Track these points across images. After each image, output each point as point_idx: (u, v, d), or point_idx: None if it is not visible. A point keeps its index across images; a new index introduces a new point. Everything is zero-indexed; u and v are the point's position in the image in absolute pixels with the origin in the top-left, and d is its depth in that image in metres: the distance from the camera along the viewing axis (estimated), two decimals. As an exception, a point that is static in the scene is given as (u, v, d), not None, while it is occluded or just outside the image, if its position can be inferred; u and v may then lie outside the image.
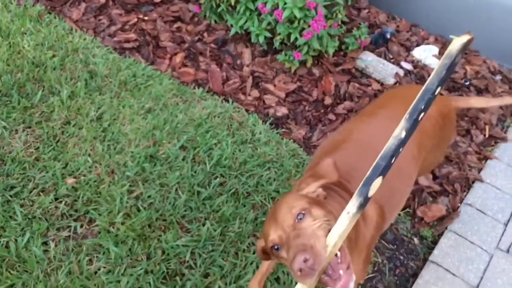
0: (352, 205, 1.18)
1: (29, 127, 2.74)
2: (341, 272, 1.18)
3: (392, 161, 1.19)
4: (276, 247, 1.27)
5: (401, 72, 3.48)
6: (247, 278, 2.20)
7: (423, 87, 1.22)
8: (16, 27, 3.36)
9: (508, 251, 2.53)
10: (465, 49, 1.23)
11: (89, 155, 2.64)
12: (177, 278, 2.18)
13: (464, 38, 1.20)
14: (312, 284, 1.17)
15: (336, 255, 1.21)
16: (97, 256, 2.22)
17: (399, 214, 2.65)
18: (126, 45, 3.46)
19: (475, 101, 2.44)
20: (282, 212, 1.27)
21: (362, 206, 1.17)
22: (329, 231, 1.21)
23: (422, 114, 1.21)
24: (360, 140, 1.74)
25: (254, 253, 2.30)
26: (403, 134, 1.18)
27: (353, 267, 1.54)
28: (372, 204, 1.60)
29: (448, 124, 1.98)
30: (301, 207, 1.26)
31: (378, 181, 1.18)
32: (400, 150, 1.21)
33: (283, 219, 1.26)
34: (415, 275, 2.39)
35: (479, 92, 3.46)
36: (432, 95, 1.21)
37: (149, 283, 2.14)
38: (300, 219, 1.25)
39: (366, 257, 1.62)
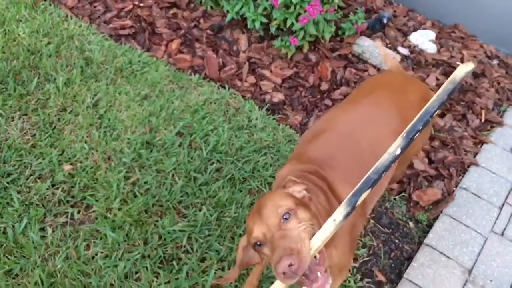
0: (340, 213, 1.20)
1: (25, 114, 2.74)
2: (319, 274, 1.22)
3: (383, 175, 1.21)
4: (259, 243, 1.28)
5: (398, 57, 3.47)
6: (243, 262, 2.22)
7: (424, 109, 1.23)
8: (11, 15, 3.35)
9: (502, 234, 2.55)
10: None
11: (86, 141, 2.64)
12: (174, 262, 2.20)
13: (469, 66, 1.22)
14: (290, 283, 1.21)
15: (315, 257, 1.24)
16: (94, 242, 2.24)
17: (395, 199, 2.67)
18: (122, 31, 3.45)
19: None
20: (267, 210, 1.27)
21: (348, 215, 1.20)
22: (313, 235, 1.24)
23: (417, 134, 1.23)
24: (341, 130, 1.74)
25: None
26: (398, 151, 1.21)
27: (336, 251, 1.57)
28: (347, 190, 1.60)
29: None
30: (287, 207, 1.27)
31: (366, 192, 1.21)
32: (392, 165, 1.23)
33: (268, 216, 1.26)
34: (410, 258, 2.41)
35: (476, 77, 3.45)
36: (430, 117, 1.24)
37: (146, 267, 2.16)
38: (286, 219, 1.25)
39: (350, 242, 1.63)
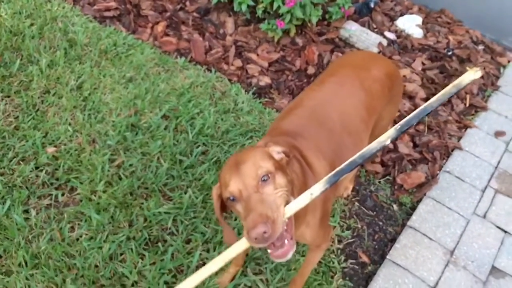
0: (318, 189, 1.21)
1: (8, 96, 2.70)
2: (286, 241, 1.23)
3: (361, 162, 1.23)
4: (232, 198, 1.27)
5: (385, 42, 3.48)
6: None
7: (422, 106, 1.24)
8: (-8, -5, 3.27)
9: (484, 216, 2.59)
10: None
11: (70, 124, 2.62)
12: (159, 244, 2.20)
13: (477, 74, 1.24)
14: None
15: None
16: (78, 224, 2.23)
17: (379, 182, 2.69)
18: (107, 13, 3.40)
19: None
20: (247, 167, 1.27)
21: (325, 191, 1.22)
22: (287, 202, 1.25)
23: (409, 128, 1.24)
24: (311, 105, 1.79)
25: (236, 219, 2.33)
26: (388, 142, 1.23)
27: (310, 228, 1.60)
28: (323, 163, 1.64)
29: (396, 82, 2.02)
30: (267, 169, 1.27)
31: (347, 175, 1.24)
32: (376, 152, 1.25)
33: (247, 174, 1.26)
34: (394, 240, 2.44)
35: (461, 61, 3.48)
36: (427, 115, 1.25)
37: (131, 249, 2.16)
38: (264, 181, 1.25)
39: (323, 218, 1.65)
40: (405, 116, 1.37)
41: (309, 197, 1.22)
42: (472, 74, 1.23)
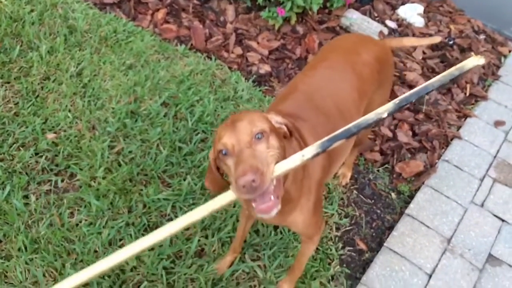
0: (310, 151, 1.21)
1: (8, 82, 2.70)
2: (271, 197, 1.23)
3: (356, 132, 1.23)
4: (224, 152, 1.28)
5: (386, 31, 3.46)
6: (226, 230, 2.24)
7: (423, 85, 1.23)
8: (-8, -19, 3.26)
9: (482, 205, 2.60)
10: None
11: (69, 110, 2.62)
12: (158, 230, 2.22)
13: (480, 60, 1.23)
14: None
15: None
16: (78, 209, 2.25)
17: (378, 170, 2.70)
18: (107, 0, 3.38)
19: (407, 41, 2.54)
20: (242, 124, 1.28)
21: (317, 155, 1.22)
22: (277, 163, 1.25)
23: (407, 104, 1.25)
24: (306, 90, 1.81)
25: (234, 206, 2.34)
26: (385, 115, 1.22)
27: (303, 213, 1.61)
28: None
29: (386, 66, 2.03)
30: (262, 128, 1.28)
31: (340, 142, 1.24)
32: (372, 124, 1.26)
33: (242, 131, 1.26)
34: (391, 228, 2.45)
35: (462, 51, 3.46)
36: (427, 93, 1.26)
37: (130, 234, 2.17)
38: (258, 138, 1.26)
39: (317, 203, 1.66)
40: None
41: (301, 159, 1.22)
42: (476, 60, 1.23)
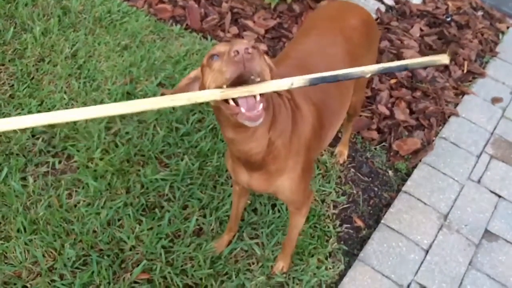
0: (299, 81, 1.22)
1: (2, 65, 2.69)
2: (260, 106, 1.20)
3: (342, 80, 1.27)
4: (215, 57, 1.24)
5: (383, 8, 3.43)
6: (224, 209, 2.26)
7: (404, 62, 1.27)
8: (-17, -39, 3.21)
9: (479, 181, 2.61)
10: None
11: (65, 92, 2.61)
12: (156, 210, 2.23)
13: (445, 59, 1.25)
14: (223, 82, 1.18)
15: (255, 97, 1.21)
16: (76, 190, 2.25)
17: (375, 148, 2.70)
18: (100, -20, 3.34)
19: None
20: (238, 40, 1.28)
21: (303, 86, 1.24)
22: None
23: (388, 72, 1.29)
24: (299, 56, 1.82)
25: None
26: (368, 75, 1.27)
27: (290, 178, 1.60)
28: (311, 108, 1.66)
29: (372, 29, 2.07)
30: (257, 46, 1.23)
31: (327, 83, 1.28)
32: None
33: (238, 42, 1.19)
34: (388, 205, 2.47)
35: (460, 28, 3.44)
36: (405, 69, 1.28)
37: (129, 215, 2.18)
38: (253, 49, 1.20)
39: (305, 169, 1.64)
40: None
41: (289, 84, 1.23)
42: (446, 59, 1.27)
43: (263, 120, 1.22)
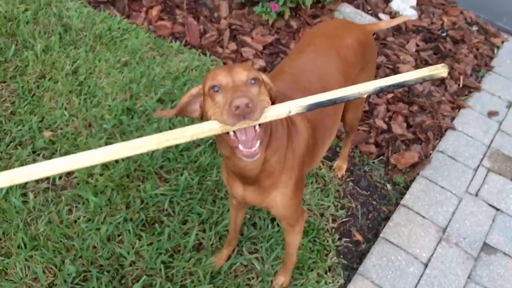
0: (296, 108, 1.26)
1: (4, 82, 2.72)
2: (257, 143, 1.26)
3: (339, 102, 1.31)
4: (217, 88, 1.28)
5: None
6: (224, 223, 2.27)
7: (402, 78, 1.29)
8: (-15, -19, 3.27)
9: (476, 194, 2.63)
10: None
11: (66, 108, 2.64)
12: (156, 225, 2.24)
13: (443, 71, 1.30)
14: (224, 127, 1.23)
15: (255, 127, 1.26)
16: (76, 206, 2.26)
17: (373, 162, 2.72)
18: (101, -2, 3.39)
19: (384, 24, 2.59)
20: (239, 68, 1.30)
21: (301, 113, 1.28)
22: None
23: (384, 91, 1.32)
24: (293, 72, 1.85)
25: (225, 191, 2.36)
26: (365, 95, 1.30)
27: (283, 193, 1.63)
28: (307, 125, 1.69)
29: (368, 50, 2.09)
30: (256, 76, 1.30)
31: (323, 108, 1.32)
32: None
33: (238, 72, 1.28)
34: (387, 219, 2.48)
35: (455, 42, 3.49)
36: (403, 86, 1.35)
37: (129, 230, 2.19)
38: (252, 83, 1.28)
39: (298, 184, 1.67)
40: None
41: (287, 111, 1.26)
42: (444, 71, 1.30)
43: (259, 147, 1.27)
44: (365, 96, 1.30)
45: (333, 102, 1.28)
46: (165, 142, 1.23)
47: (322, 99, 1.26)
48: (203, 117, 1.38)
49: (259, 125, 1.26)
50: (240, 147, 1.26)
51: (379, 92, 1.31)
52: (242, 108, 1.16)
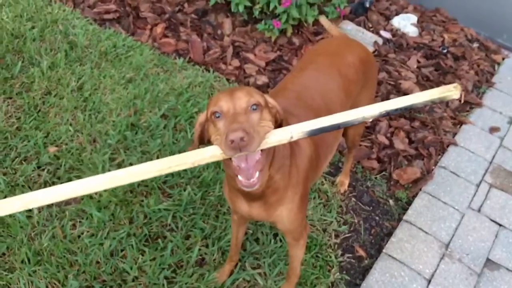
0: (298, 134, 1.28)
1: (10, 98, 2.75)
2: (256, 174, 1.29)
3: (342, 127, 1.32)
4: (218, 114, 1.31)
5: (380, 41, 3.52)
6: (227, 239, 2.27)
7: (409, 103, 1.28)
8: (-7, -1, 3.34)
9: (479, 210, 2.63)
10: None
11: (71, 124, 2.67)
12: (159, 240, 2.25)
13: (455, 93, 1.27)
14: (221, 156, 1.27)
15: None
16: (80, 221, 2.28)
17: (376, 178, 2.73)
18: (106, 16, 3.45)
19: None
20: (240, 93, 1.32)
21: (302, 137, 1.30)
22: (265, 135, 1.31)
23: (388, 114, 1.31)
24: (296, 89, 1.88)
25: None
26: (370, 119, 1.30)
27: (289, 208, 1.65)
28: (309, 141, 1.72)
29: (369, 67, 2.11)
30: (258, 101, 1.32)
31: (326, 133, 1.33)
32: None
33: (239, 98, 1.30)
34: (390, 234, 2.48)
35: (456, 59, 3.52)
36: (409, 110, 1.32)
37: (132, 245, 2.20)
38: (253, 109, 1.30)
39: (303, 198, 1.69)
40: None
41: (288, 137, 1.27)
42: (455, 94, 1.29)
43: (259, 177, 1.31)
44: (370, 120, 1.30)
45: (336, 127, 1.29)
46: (167, 169, 1.27)
47: (324, 124, 1.27)
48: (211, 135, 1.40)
49: (261, 149, 1.29)
50: (239, 177, 1.30)
51: (385, 116, 1.30)
52: (237, 142, 1.19)
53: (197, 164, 1.29)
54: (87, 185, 1.23)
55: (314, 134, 1.29)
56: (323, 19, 2.44)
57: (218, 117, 1.30)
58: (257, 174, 1.30)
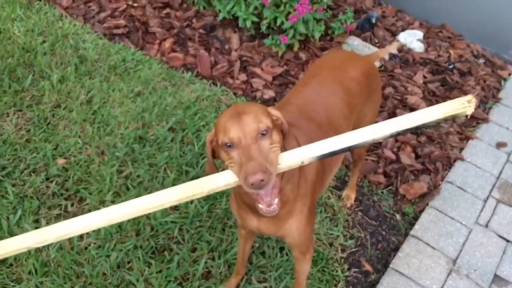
0: (309, 158, 1.32)
1: (20, 110, 2.79)
2: (275, 201, 1.36)
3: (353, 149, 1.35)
4: (229, 144, 1.32)
5: (386, 56, 3.55)
6: (233, 252, 2.27)
7: (420, 123, 1.28)
8: (6, 14, 3.40)
9: (486, 225, 2.61)
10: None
11: (80, 136, 2.70)
12: (166, 253, 2.25)
13: (466, 110, 1.28)
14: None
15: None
16: (87, 233, 2.28)
17: (382, 192, 2.73)
18: (116, 31, 3.51)
19: (381, 52, 2.72)
20: (248, 119, 1.32)
21: (313, 161, 1.34)
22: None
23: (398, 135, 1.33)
24: (299, 103, 1.89)
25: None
26: (381, 140, 1.33)
27: (298, 220, 1.67)
28: None
29: (373, 81, 2.13)
30: (267, 125, 1.33)
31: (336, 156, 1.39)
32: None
33: (248, 125, 1.31)
34: (397, 249, 2.47)
35: (462, 75, 3.53)
36: (416, 130, 1.34)
37: (138, 257, 2.21)
38: (263, 135, 1.32)
39: (311, 209, 1.70)
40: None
41: (299, 162, 1.32)
42: (468, 109, 1.29)
43: (278, 202, 1.38)
44: (381, 141, 1.32)
45: (346, 150, 1.30)
46: (185, 199, 1.35)
47: (334, 148, 1.29)
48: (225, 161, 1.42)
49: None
50: (260, 205, 1.37)
51: (396, 136, 1.31)
52: (256, 184, 1.24)
53: (213, 192, 1.36)
54: (108, 217, 1.34)
55: (324, 158, 1.31)
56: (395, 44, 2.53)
57: (230, 146, 1.32)
58: (276, 200, 1.36)
